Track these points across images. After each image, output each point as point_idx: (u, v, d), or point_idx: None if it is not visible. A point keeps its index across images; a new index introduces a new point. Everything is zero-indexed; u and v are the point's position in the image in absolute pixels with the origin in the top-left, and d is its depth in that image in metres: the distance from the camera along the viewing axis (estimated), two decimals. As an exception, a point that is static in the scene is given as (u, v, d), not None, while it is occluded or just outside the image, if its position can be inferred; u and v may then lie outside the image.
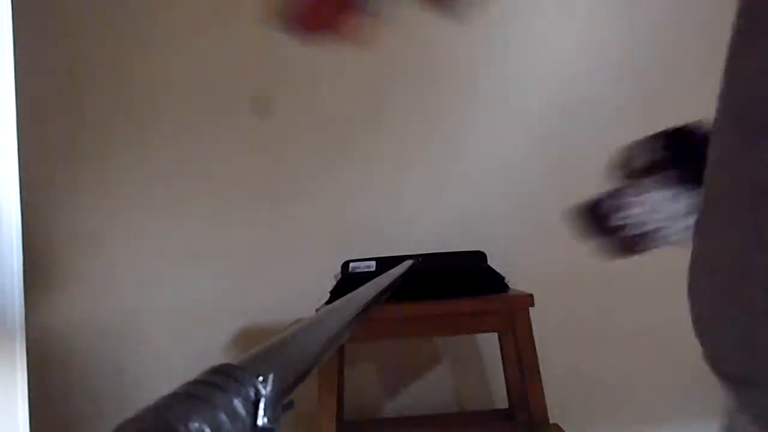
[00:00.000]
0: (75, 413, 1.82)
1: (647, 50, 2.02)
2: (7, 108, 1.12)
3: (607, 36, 2.03)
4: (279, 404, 0.27)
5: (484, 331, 1.80)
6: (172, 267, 1.96)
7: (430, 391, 1.92)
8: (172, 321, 1.92)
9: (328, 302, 1.47)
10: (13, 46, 1.12)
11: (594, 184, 2.02)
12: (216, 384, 0.24)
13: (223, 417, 0.22)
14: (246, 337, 1.92)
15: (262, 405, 0.25)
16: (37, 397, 1.19)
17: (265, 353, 0.29)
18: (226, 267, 1.95)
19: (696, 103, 2.04)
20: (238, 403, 0.24)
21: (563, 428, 1.44)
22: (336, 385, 1.51)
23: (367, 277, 0.98)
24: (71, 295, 1.93)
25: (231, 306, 1.92)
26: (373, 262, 1.67)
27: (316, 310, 0.58)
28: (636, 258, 1.98)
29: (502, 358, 1.84)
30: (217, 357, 0.28)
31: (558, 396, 1.70)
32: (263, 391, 0.25)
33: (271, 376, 0.26)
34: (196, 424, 0.21)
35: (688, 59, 2.02)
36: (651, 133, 2.07)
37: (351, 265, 1.69)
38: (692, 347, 1.49)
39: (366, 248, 1.86)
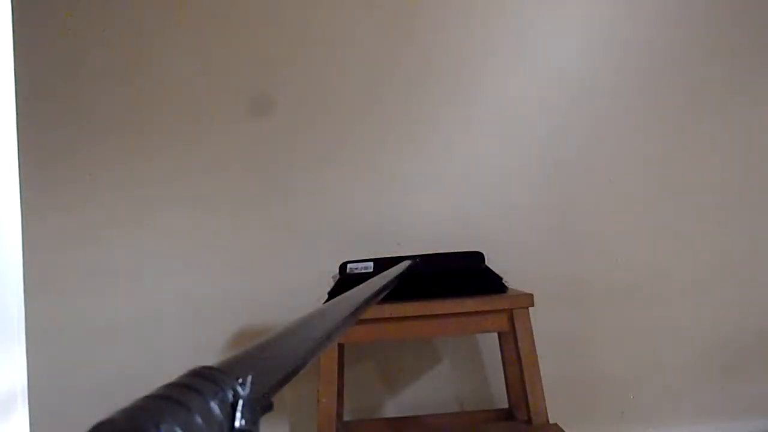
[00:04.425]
0: (75, 413, 1.83)
1: (649, 51, 2.02)
2: (7, 108, 1.13)
3: (609, 36, 2.03)
4: (258, 406, 0.27)
5: (484, 331, 1.80)
6: (172, 267, 1.96)
7: (430, 391, 1.92)
8: (171, 321, 1.93)
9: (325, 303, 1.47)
10: (13, 45, 1.12)
11: (593, 185, 2.04)
12: (192, 386, 0.24)
13: (198, 419, 0.22)
14: (244, 337, 1.93)
15: (239, 407, 0.25)
16: (38, 397, 1.19)
17: (245, 355, 0.29)
18: (225, 267, 1.95)
19: (697, 103, 2.04)
20: (214, 405, 0.24)
21: (563, 428, 1.44)
22: (336, 385, 1.51)
23: (365, 278, 0.98)
24: (71, 295, 1.94)
25: (230, 306, 1.93)
26: (371, 263, 1.67)
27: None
28: (635, 259, 1.99)
29: (502, 358, 1.84)
30: (216, 357, 0.28)
31: (558, 396, 1.70)
32: (242, 393, 0.26)
33: (250, 378, 0.26)
34: (169, 427, 0.21)
35: (689, 60, 2.02)
36: (651, 138, 2.08)
37: (349, 266, 1.69)
38: (692, 347, 1.50)
39: (364, 249, 1.87)
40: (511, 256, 1.89)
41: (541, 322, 1.62)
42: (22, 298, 1.14)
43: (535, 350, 1.48)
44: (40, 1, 2.02)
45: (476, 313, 1.51)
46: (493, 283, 1.63)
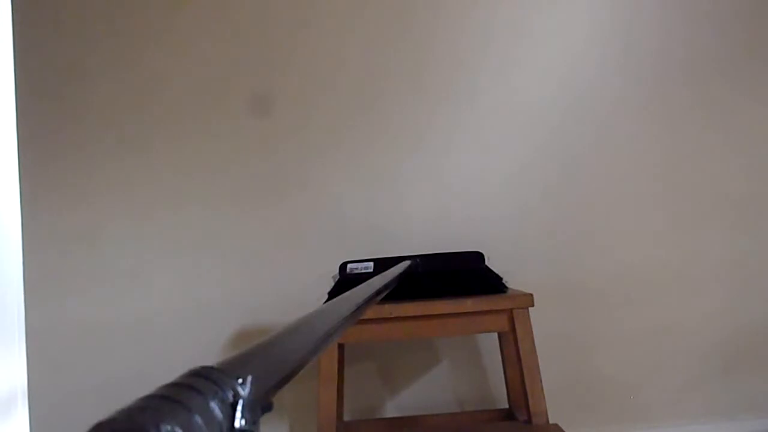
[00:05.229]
0: (75, 413, 1.83)
1: (650, 52, 2.02)
2: (7, 108, 1.13)
3: (610, 39, 2.03)
4: (258, 406, 0.27)
5: (484, 331, 1.80)
6: (172, 267, 1.96)
7: (430, 391, 1.92)
8: (172, 321, 1.93)
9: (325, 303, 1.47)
10: (13, 45, 1.12)
11: (594, 185, 2.03)
12: (193, 386, 0.24)
13: (198, 419, 0.22)
14: (245, 337, 1.93)
15: (239, 407, 0.25)
16: (38, 398, 1.19)
17: (245, 355, 0.29)
18: (226, 267, 1.95)
19: (699, 105, 2.04)
20: (214, 405, 0.24)
21: (563, 428, 1.44)
22: (336, 385, 1.51)
23: (365, 278, 0.98)
24: (72, 295, 1.94)
25: (230, 307, 1.92)
26: (371, 263, 1.67)
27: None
28: (635, 259, 1.99)
29: (502, 358, 1.84)
30: (216, 357, 0.29)
31: (558, 396, 1.70)
32: (242, 393, 0.26)
33: (250, 379, 0.26)
34: (169, 427, 0.21)
35: (692, 61, 2.02)
36: (650, 138, 2.07)
37: (349, 266, 1.69)
38: (692, 348, 1.50)
39: (364, 249, 1.87)
40: (511, 256, 1.89)
41: (542, 322, 1.62)
42: (22, 298, 1.14)
43: (535, 350, 1.48)
44: (40, 1, 2.02)
45: (476, 313, 1.51)
46: (493, 283, 1.63)
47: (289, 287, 1.92)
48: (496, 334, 1.85)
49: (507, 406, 1.82)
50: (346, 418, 1.87)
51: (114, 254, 1.96)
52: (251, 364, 0.29)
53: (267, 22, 2.04)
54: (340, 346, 1.56)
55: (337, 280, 1.69)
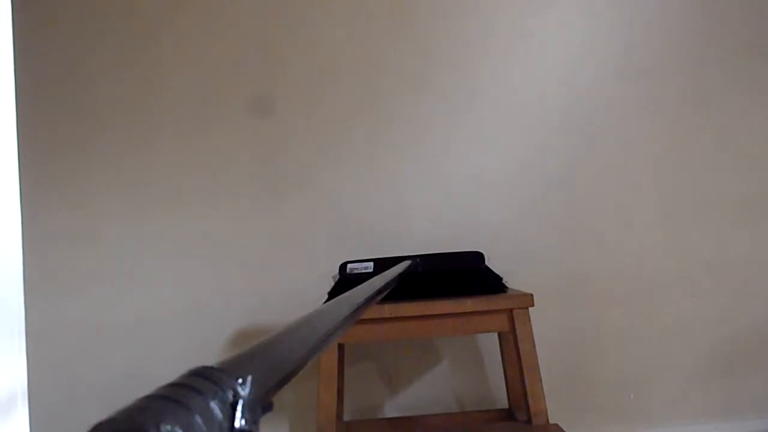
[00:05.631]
0: (75, 413, 1.83)
1: (650, 51, 2.02)
2: (7, 108, 1.12)
3: (610, 39, 2.03)
4: (258, 406, 0.27)
5: (484, 331, 1.80)
6: (172, 267, 1.96)
7: (430, 391, 1.92)
8: (172, 321, 1.93)
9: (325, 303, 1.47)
10: (13, 45, 1.12)
11: (594, 184, 2.03)
12: (193, 386, 0.24)
13: (198, 419, 0.22)
14: (245, 338, 1.93)
15: (239, 407, 0.25)
16: (38, 397, 1.19)
17: (245, 355, 0.29)
18: (226, 267, 1.95)
19: (702, 102, 2.04)
20: (214, 406, 0.24)
21: (563, 428, 1.44)
22: (336, 385, 1.51)
23: (365, 278, 0.98)
24: (72, 295, 1.94)
25: (230, 307, 1.93)
26: (371, 263, 1.67)
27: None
28: (635, 259, 1.99)
29: (502, 358, 1.84)
30: (215, 357, 0.29)
31: (558, 396, 1.70)
32: (242, 393, 0.26)
33: (250, 378, 0.26)
34: (169, 427, 0.21)
35: (693, 60, 2.02)
36: (650, 138, 2.07)
37: (349, 266, 1.69)
38: (692, 348, 1.50)
39: (364, 249, 1.87)
40: (511, 256, 1.89)
41: (542, 322, 1.62)
42: (22, 298, 1.14)
43: (535, 350, 1.48)
44: (40, 1, 2.02)
45: (476, 313, 1.51)
46: (493, 283, 1.63)
47: (289, 287, 1.91)
48: (496, 334, 1.85)
49: (507, 406, 1.82)
50: (346, 418, 1.87)
51: (114, 254, 1.96)
52: (251, 364, 0.29)
53: (267, 22, 2.04)
54: (340, 346, 1.56)
55: (337, 280, 1.69)
